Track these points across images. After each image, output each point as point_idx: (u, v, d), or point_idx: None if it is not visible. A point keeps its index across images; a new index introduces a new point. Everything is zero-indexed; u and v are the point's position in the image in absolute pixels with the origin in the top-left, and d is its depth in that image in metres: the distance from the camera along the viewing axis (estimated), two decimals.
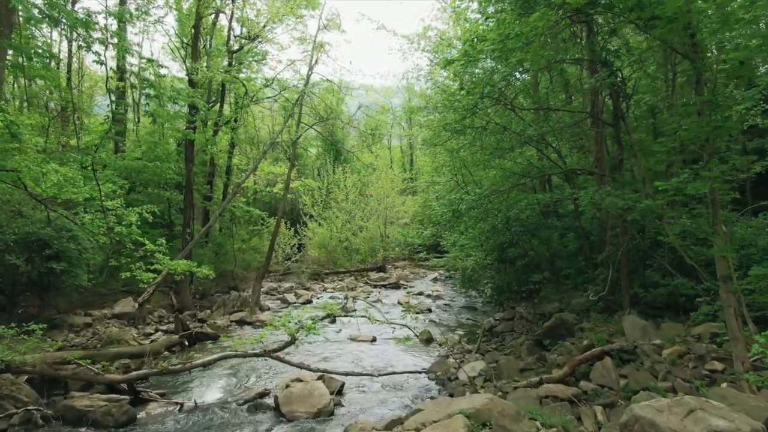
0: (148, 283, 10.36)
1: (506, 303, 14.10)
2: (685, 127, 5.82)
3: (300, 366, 7.65)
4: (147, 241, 9.82)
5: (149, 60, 9.64)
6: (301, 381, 8.15)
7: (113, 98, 11.81)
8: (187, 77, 16.73)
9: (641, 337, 7.65)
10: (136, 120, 23.87)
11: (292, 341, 7.69)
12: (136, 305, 13.21)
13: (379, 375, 7.82)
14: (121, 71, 18.21)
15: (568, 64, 11.05)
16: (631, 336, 7.74)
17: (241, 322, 13.43)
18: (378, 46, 73.03)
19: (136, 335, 12.06)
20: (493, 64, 8.27)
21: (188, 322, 13.87)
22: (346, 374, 7.74)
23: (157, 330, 12.54)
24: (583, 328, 8.77)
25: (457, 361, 9.78)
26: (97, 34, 7.80)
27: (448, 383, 8.48)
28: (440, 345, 11.15)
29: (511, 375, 7.94)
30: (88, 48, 7.85)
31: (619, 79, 8.58)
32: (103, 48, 8.06)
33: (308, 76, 17.35)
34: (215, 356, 7.39)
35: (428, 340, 11.46)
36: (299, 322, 8.10)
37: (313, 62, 17.90)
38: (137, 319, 13.08)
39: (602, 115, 9.20)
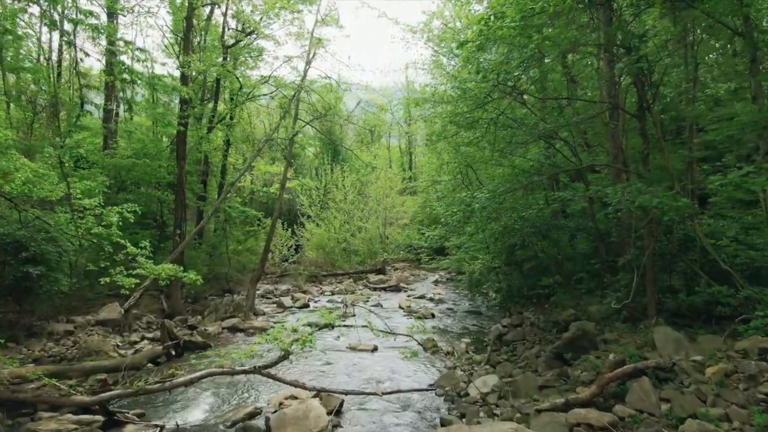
0: (130, 289, 9.41)
1: (513, 308, 13.20)
2: (741, 113, 4.93)
3: (294, 384, 6.74)
4: (128, 244, 8.89)
5: (127, 43, 8.68)
6: (295, 398, 7.24)
7: (81, 83, 10.85)
8: (179, 72, 15.79)
9: (675, 352, 6.76)
10: (129, 117, 23.00)
11: (286, 356, 6.79)
12: (122, 311, 12.27)
13: (383, 394, 6.91)
14: (109, 65, 17.33)
15: (582, 55, 10.19)
16: (663, 350, 6.85)
17: (234, 329, 12.49)
18: (378, 39, 72.27)
19: (120, 343, 11.13)
20: (507, 51, 7.37)
21: (177, 329, 12.92)
22: (346, 393, 6.83)
23: (143, 338, 11.60)
24: (607, 340, 7.88)
25: (466, 373, 8.89)
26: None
27: (457, 399, 7.59)
28: (447, 354, 10.23)
29: (530, 393, 7.03)
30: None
31: (644, 65, 7.71)
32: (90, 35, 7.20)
33: (305, 71, 16.47)
34: (198, 374, 6.47)
35: (433, 349, 10.55)
36: (294, 332, 7.18)
37: (311, 57, 17.00)
38: (122, 326, 12.14)
39: (624, 106, 8.30)
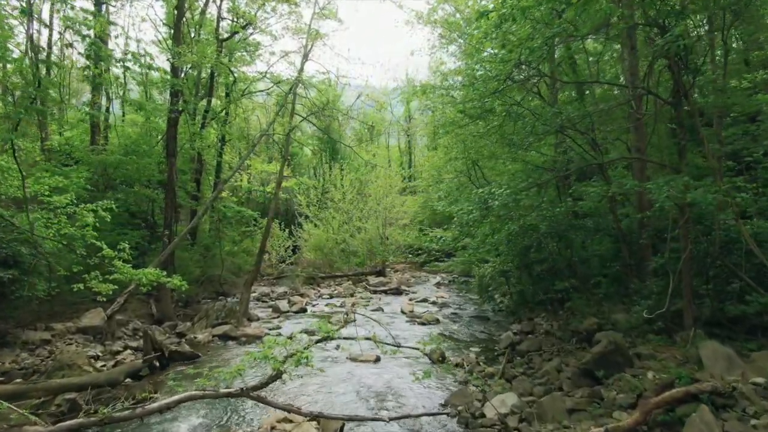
0: (108, 296, 8.40)
1: (523, 314, 12.22)
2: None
3: (287, 409, 5.74)
4: (104, 245, 7.87)
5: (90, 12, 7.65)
6: (290, 422, 6.27)
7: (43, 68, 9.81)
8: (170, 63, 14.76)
9: (727, 371, 5.79)
10: (122, 114, 21.97)
11: (278, 376, 5.79)
12: (105, 317, 11.25)
13: (390, 420, 5.91)
14: (96, 57, 16.30)
15: (604, 38, 9.21)
16: (712, 368, 5.88)
17: (225, 337, 11.47)
18: (378, 32, 71.17)
19: (100, 353, 10.10)
20: (532, 27, 6.37)
21: (165, 337, 11.90)
22: (348, 419, 5.83)
23: (126, 347, 10.57)
24: (640, 354, 6.91)
25: (479, 388, 7.92)
26: None
27: (472, 422, 6.61)
28: (456, 366, 9.23)
29: (558, 417, 6.05)
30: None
31: (682, 46, 6.75)
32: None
33: (302, 64, 15.47)
34: (176, 398, 5.47)
35: (441, 360, 9.56)
36: (288, 345, 6.19)
37: (308, 50, 16.01)
38: (105, 334, 11.10)
39: (656, 91, 7.32)
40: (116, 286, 8.14)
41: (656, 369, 6.30)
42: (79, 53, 17.99)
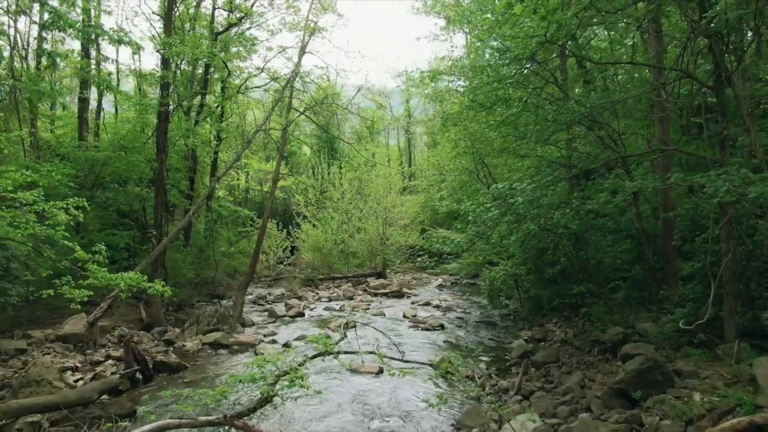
0: (83, 303, 7.50)
1: (534, 320, 11.35)
2: None
3: None
4: (77, 247, 6.97)
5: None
6: None
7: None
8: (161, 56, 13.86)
9: None
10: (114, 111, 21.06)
11: (267, 400, 4.91)
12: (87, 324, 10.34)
13: None
14: (85, 50, 15.43)
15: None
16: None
17: (216, 345, 10.57)
18: (379, 28, 70.11)
19: (79, 364, 9.19)
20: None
21: (153, 345, 11.00)
22: None
23: (108, 357, 9.65)
24: (680, 372, 6.04)
25: (494, 405, 7.05)
26: None
27: None
28: (466, 378, 8.35)
29: None
30: None
31: (723, 24, 5.90)
32: None
33: (300, 56, 14.56)
34: (147, 428, 4.58)
35: (449, 371, 8.66)
36: (280, 362, 5.30)
37: (305, 42, 15.13)
38: (86, 342, 10.19)
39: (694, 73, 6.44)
40: (91, 293, 7.25)
41: (703, 390, 5.43)
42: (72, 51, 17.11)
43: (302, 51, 14.78)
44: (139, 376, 8.44)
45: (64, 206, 6.76)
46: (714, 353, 6.31)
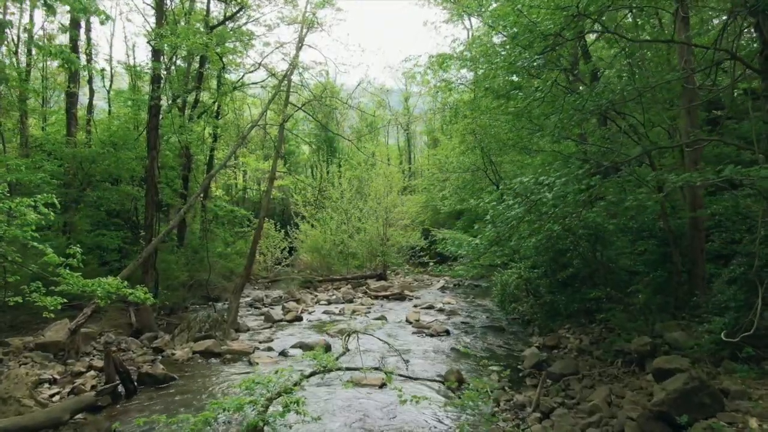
0: (56, 311, 6.73)
1: (547, 326, 10.58)
2: None
3: None
4: (48, 250, 6.19)
5: None
6: None
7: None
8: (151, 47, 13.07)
9: None
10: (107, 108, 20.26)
11: (257, 431, 4.11)
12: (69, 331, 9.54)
13: None
14: (74, 42, 14.64)
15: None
16: None
17: (208, 354, 9.78)
18: (380, 24, 69.32)
19: (58, 376, 8.39)
20: None
21: (141, 352, 10.22)
22: None
23: (90, 367, 8.84)
24: (727, 391, 5.28)
25: (511, 424, 6.34)
26: None
27: None
28: (478, 392, 7.55)
29: None
30: None
31: None
32: None
33: (298, 49, 13.78)
34: None
35: (459, 383, 7.91)
36: (272, 384, 4.52)
37: (304, 34, 14.36)
38: (68, 351, 9.39)
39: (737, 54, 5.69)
40: (64, 300, 6.47)
41: (758, 414, 4.68)
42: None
43: (300, 43, 14.02)
44: (121, 389, 7.66)
45: (32, 203, 5.97)
46: (762, 369, 5.56)
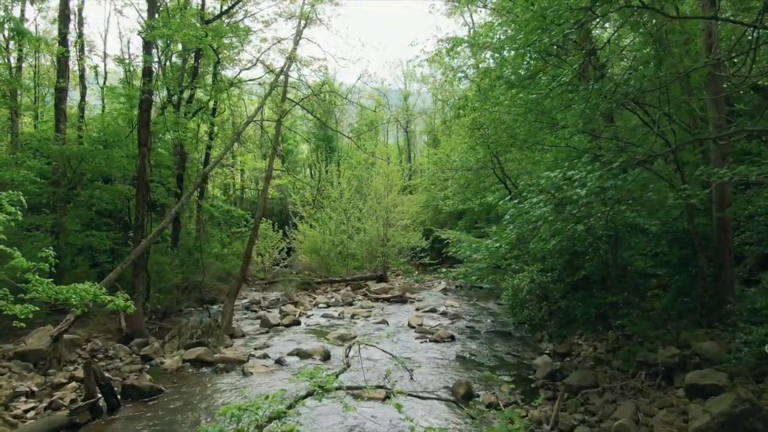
0: (27, 321, 6.06)
1: (561, 333, 9.94)
2: None
3: None
4: (16, 254, 5.54)
5: None
6: None
7: None
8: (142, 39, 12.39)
9: None
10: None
11: None
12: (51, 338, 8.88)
13: None
14: (63, 35, 13.95)
15: None
16: None
17: (199, 362, 9.11)
18: (379, 24, 68.54)
19: (36, 388, 7.73)
20: None
21: (129, 360, 9.57)
22: None
23: (72, 378, 8.18)
24: None
25: None
26: None
27: None
28: (489, 408, 6.91)
29: None
30: None
31: None
32: None
33: (296, 42, 13.13)
34: None
35: (467, 397, 7.27)
36: (261, 411, 3.88)
37: (302, 27, 13.71)
38: (49, 360, 8.72)
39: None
40: (36, 308, 5.82)
41: None
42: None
43: (298, 37, 13.38)
44: (103, 404, 7.01)
45: None
46: None
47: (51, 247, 5.93)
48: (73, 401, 7.16)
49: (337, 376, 4.84)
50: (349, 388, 5.46)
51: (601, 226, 5.86)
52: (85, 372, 6.98)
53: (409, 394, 5.04)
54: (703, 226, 7.38)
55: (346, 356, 7.16)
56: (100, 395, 6.93)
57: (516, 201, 5.75)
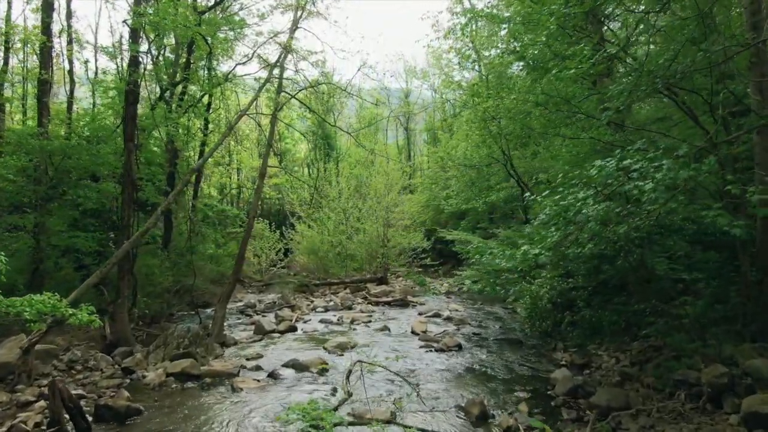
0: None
1: (574, 342, 9.09)
2: None
3: None
4: None
5: None
6: None
7: None
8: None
9: None
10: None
11: None
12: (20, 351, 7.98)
13: None
14: (46, 25, 13.07)
15: None
16: None
17: (184, 376, 8.20)
18: (379, 24, 67.59)
19: (7, 403, 6.84)
20: None
21: (110, 373, 8.67)
22: None
23: (41, 395, 7.28)
24: None
25: None
26: None
27: None
28: (506, 431, 6.05)
29: None
30: None
31: None
32: None
33: (292, 31, 12.26)
34: None
35: (482, 418, 6.41)
36: None
37: (299, 17, 12.85)
38: (18, 374, 7.82)
39: None
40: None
41: None
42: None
43: (294, 26, 12.51)
44: (70, 428, 6.12)
45: None
46: None
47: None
48: (37, 425, 6.27)
49: (336, 410, 4.00)
50: (350, 424, 4.60)
51: (646, 226, 5.01)
52: (50, 392, 6.07)
53: (422, 429, 4.16)
54: (746, 226, 6.53)
55: (347, 380, 6.29)
56: (67, 418, 6.03)
57: (557, 197, 4.90)
